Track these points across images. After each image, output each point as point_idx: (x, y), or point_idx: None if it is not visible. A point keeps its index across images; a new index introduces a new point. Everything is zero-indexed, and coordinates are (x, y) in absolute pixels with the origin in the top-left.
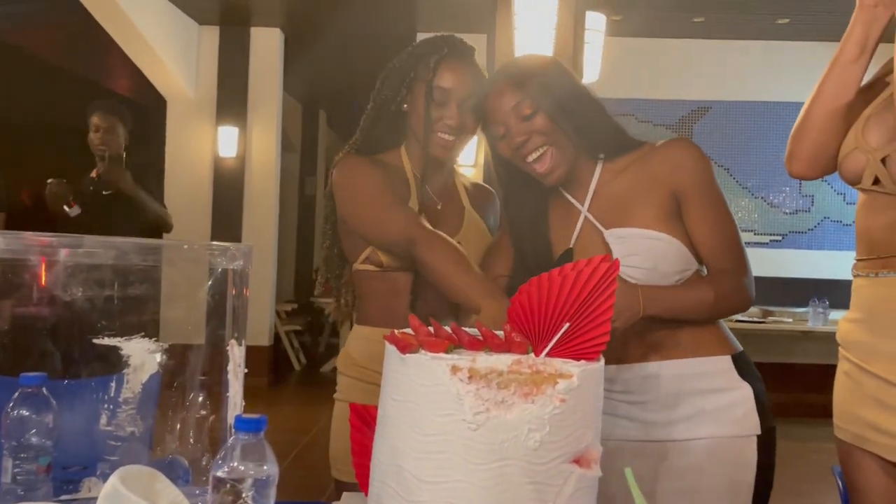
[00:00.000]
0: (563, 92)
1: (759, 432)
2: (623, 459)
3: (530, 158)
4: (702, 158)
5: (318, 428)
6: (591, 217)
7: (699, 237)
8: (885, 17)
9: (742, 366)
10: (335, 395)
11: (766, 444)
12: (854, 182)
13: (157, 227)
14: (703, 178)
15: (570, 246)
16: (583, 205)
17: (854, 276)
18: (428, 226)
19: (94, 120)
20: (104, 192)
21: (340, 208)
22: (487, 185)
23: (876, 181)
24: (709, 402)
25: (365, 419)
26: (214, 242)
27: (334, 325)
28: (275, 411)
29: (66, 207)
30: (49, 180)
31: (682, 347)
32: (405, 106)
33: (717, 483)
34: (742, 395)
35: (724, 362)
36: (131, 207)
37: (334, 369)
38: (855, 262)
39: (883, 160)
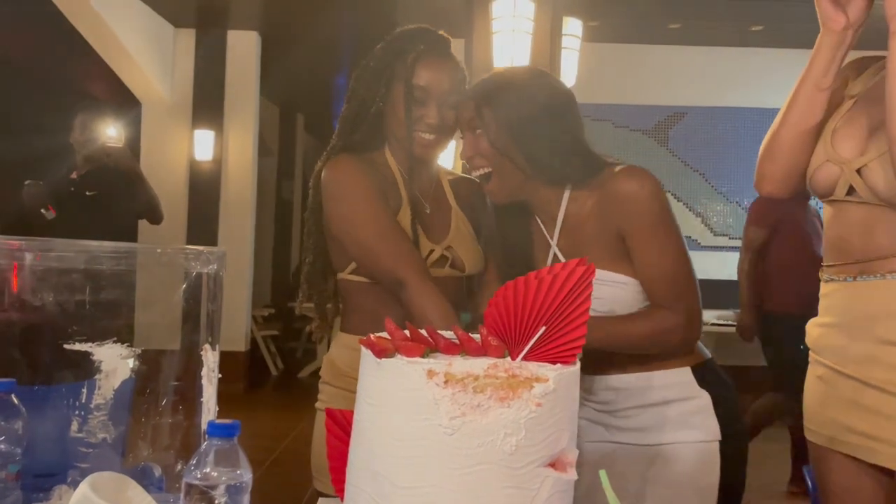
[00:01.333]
0: (522, 121)
1: (720, 438)
2: (591, 460)
3: (474, 174)
4: (646, 193)
5: (295, 434)
6: (559, 253)
7: (641, 273)
8: (851, 40)
9: (703, 375)
10: (317, 405)
11: (732, 449)
12: (825, 194)
13: (150, 213)
14: (647, 213)
15: None
16: (552, 237)
17: (825, 281)
18: (420, 270)
19: (80, 120)
20: (88, 193)
21: (330, 214)
22: (469, 177)
23: (850, 192)
24: (670, 411)
25: (342, 424)
26: (189, 246)
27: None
28: (251, 417)
29: (42, 211)
30: (26, 182)
31: (647, 361)
32: (381, 104)
33: (682, 486)
34: (701, 404)
35: (684, 374)
36: (114, 206)
37: (312, 374)
38: (823, 267)
39: (858, 170)
